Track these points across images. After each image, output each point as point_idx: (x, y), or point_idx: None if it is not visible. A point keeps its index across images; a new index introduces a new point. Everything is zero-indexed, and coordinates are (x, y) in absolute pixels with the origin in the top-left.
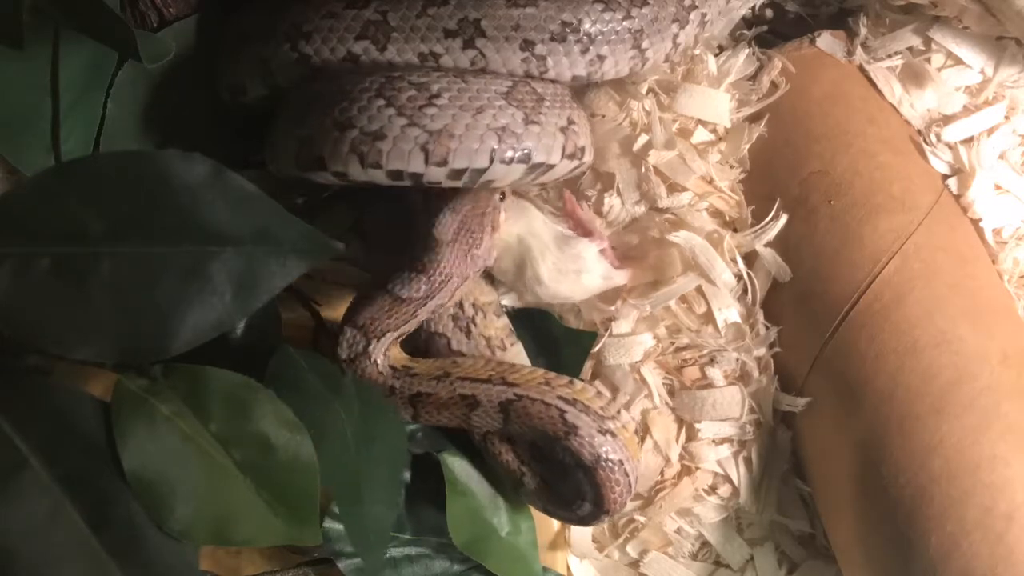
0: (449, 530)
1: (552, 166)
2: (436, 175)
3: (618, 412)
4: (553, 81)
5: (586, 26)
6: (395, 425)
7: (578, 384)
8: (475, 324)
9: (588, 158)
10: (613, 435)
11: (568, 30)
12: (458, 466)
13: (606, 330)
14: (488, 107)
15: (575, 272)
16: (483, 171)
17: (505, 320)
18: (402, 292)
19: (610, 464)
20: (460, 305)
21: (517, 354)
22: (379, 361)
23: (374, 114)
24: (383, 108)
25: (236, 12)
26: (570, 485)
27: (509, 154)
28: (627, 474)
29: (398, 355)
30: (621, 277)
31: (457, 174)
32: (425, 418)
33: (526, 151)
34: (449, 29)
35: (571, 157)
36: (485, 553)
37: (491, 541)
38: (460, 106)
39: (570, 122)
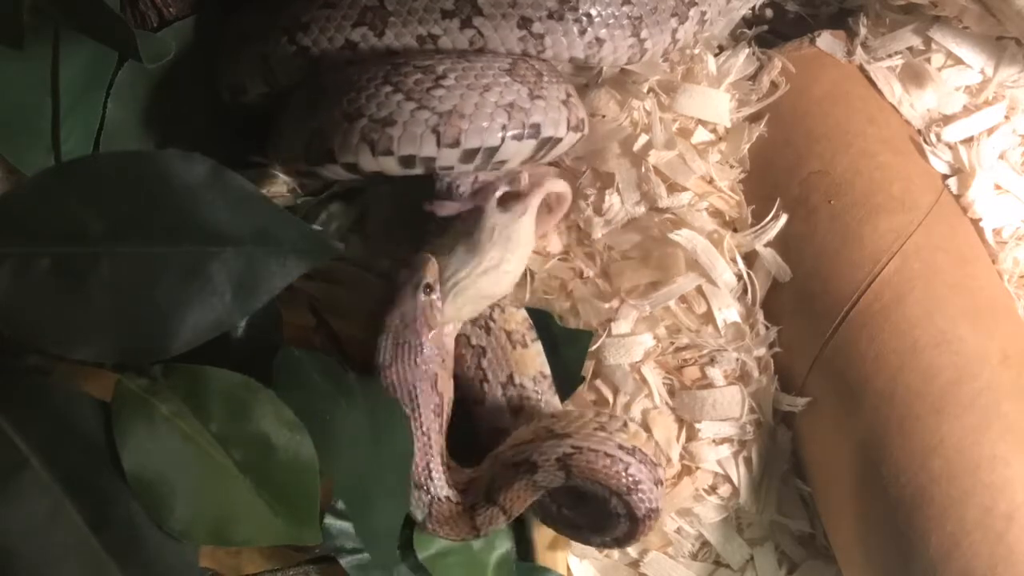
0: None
1: (560, 139)
2: (449, 158)
3: (650, 440)
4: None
5: (584, 6)
6: (401, 422)
7: (631, 426)
8: (494, 320)
9: (587, 130)
10: (662, 483)
11: (566, 8)
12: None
13: (605, 330)
14: (494, 84)
15: (511, 245)
16: (495, 150)
17: (524, 313)
18: None
19: (656, 514)
20: None
21: (537, 353)
22: (445, 493)
23: (382, 101)
24: (391, 94)
25: (235, 12)
26: (596, 520)
27: (519, 130)
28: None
29: (455, 472)
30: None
31: (470, 155)
32: (511, 505)
33: (535, 126)
34: (446, 9)
35: (575, 129)
36: (443, 569)
37: (454, 555)
38: (467, 85)
39: (568, 95)
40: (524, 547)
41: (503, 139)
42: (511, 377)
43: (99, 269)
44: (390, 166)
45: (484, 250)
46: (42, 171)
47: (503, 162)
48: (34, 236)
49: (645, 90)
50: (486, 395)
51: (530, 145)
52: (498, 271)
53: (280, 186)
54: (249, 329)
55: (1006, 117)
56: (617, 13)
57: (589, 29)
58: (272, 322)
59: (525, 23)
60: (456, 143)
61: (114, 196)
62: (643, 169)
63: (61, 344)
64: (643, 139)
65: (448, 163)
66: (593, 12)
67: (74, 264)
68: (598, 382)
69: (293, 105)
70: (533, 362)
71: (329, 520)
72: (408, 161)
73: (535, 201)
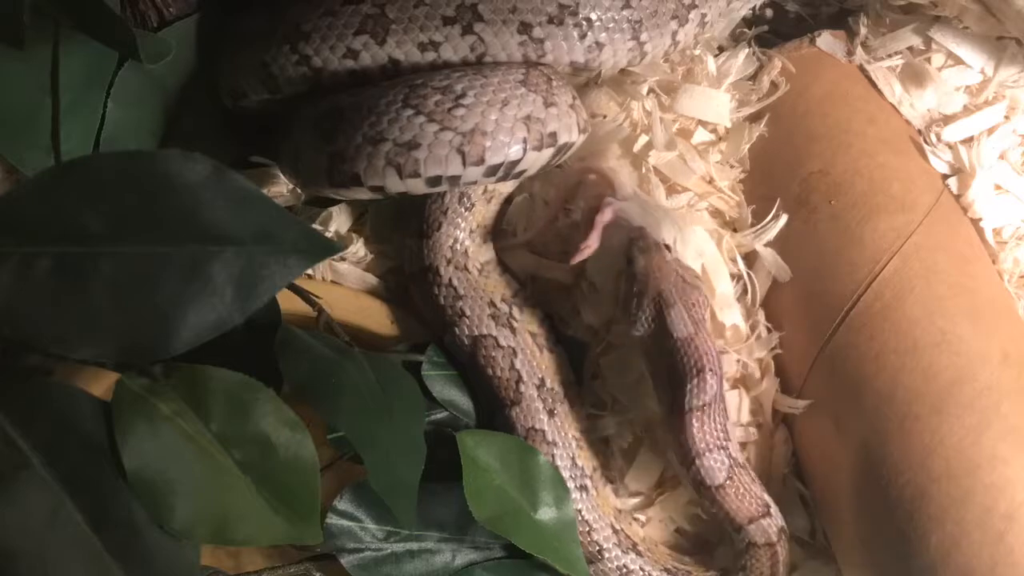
0: (468, 504)
1: (573, 144)
2: (474, 174)
3: None
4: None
5: (584, 11)
6: (407, 380)
7: None
8: (516, 319)
9: (589, 129)
10: None
11: (566, 13)
12: (475, 442)
13: (607, 331)
14: (512, 97)
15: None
16: (518, 162)
17: (542, 313)
18: (701, 401)
19: None
20: (492, 303)
21: (562, 358)
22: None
23: (404, 124)
24: (412, 117)
25: (235, 16)
26: None
27: (538, 141)
28: None
29: None
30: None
31: (493, 170)
32: None
33: (552, 134)
34: (447, 16)
35: (583, 131)
36: (512, 529)
37: (519, 518)
38: (486, 102)
39: (573, 97)
40: None
41: (525, 151)
42: (543, 380)
43: (100, 269)
44: (417, 187)
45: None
46: (42, 171)
47: (522, 172)
48: (34, 236)
49: (645, 91)
50: (523, 396)
51: (548, 153)
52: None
53: (281, 186)
54: (248, 325)
55: (1006, 117)
56: (617, 17)
57: (589, 33)
58: (272, 319)
59: (525, 28)
60: (481, 161)
61: (115, 196)
62: (643, 170)
63: (62, 344)
64: (643, 140)
65: (473, 179)
66: (593, 16)
67: (75, 264)
68: (597, 384)
69: (307, 127)
70: (560, 367)
71: (330, 519)
72: (435, 181)
73: (620, 178)
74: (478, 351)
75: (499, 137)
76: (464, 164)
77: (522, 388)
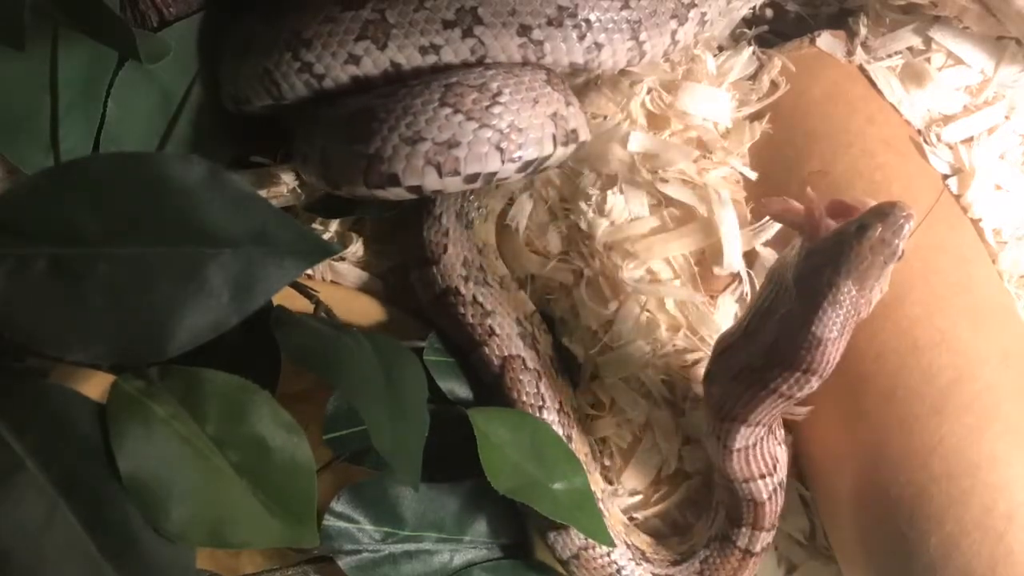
0: (488, 477)
1: (587, 141)
2: (508, 171)
3: None
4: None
5: (583, 12)
6: (408, 354)
7: None
8: (539, 341)
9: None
10: None
11: (565, 15)
12: (485, 419)
13: (605, 332)
14: (541, 96)
15: None
16: (548, 158)
17: (553, 338)
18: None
19: None
20: (519, 321)
21: (569, 388)
22: None
23: (443, 123)
24: (451, 116)
25: (235, 22)
26: None
27: (565, 137)
28: None
29: None
30: None
31: (527, 166)
32: None
33: (574, 131)
34: (447, 20)
35: (588, 130)
36: (533, 498)
37: (537, 489)
38: (520, 99)
39: (578, 100)
40: (524, 547)
41: (555, 147)
42: (561, 404)
43: (96, 270)
44: (455, 185)
45: None
46: (39, 172)
47: (547, 167)
48: (31, 237)
49: (645, 90)
50: (545, 422)
51: (571, 149)
52: None
53: (281, 187)
54: (246, 330)
55: (1006, 117)
56: (616, 18)
57: (588, 34)
58: (269, 320)
59: (525, 31)
60: (518, 157)
61: (112, 197)
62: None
63: (58, 346)
64: (634, 135)
65: (507, 175)
66: (592, 18)
67: (71, 265)
68: (595, 385)
69: (336, 129)
70: (567, 390)
71: (328, 521)
72: (472, 179)
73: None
74: (506, 372)
75: (532, 134)
76: (502, 161)
77: (544, 414)
